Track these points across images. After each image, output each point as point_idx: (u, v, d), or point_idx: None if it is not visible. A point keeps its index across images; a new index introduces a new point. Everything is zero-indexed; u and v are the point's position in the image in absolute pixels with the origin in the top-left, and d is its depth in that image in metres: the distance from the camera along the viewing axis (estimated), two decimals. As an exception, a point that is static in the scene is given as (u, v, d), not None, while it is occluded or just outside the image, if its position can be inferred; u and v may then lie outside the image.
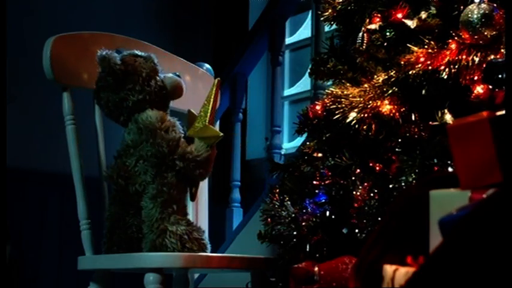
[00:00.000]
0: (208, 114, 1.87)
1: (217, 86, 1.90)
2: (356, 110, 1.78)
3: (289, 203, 1.91)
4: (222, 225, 3.64)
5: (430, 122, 1.71)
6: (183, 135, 1.89)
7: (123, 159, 1.89)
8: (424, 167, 1.65)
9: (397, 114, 1.75)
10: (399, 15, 1.82)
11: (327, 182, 1.87)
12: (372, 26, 1.85)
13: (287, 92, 4.46)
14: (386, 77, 1.77)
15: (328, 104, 1.87)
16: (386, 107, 1.76)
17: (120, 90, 1.90)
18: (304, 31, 4.43)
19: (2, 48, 2.19)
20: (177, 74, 1.96)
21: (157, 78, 1.92)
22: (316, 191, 1.88)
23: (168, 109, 1.96)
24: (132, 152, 1.88)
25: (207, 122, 1.87)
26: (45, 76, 1.99)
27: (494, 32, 1.63)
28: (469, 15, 1.64)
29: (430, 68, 1.68)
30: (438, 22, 1.76)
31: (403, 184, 1.67)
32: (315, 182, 1.90)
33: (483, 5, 1.64)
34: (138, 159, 1.87)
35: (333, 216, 1.84)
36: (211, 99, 1.88)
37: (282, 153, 3.64)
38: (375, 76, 1.80)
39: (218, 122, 2.13)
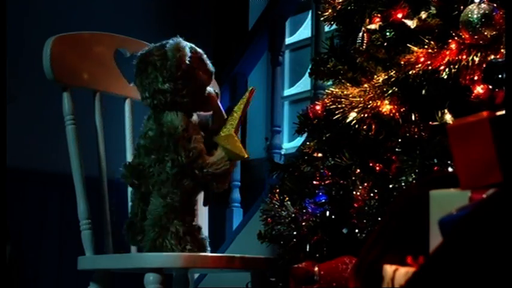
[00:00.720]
0: (236, 122, 1.85)
1: (250, 94, 1.87)
2: (356, 110, 1.78)
3: (289, 203, 1.91)
4: (222, 225, 3.64)
5: (430, 122, 1.71)
6: (202, 140, 1.86)
7: (140, 159, 1.87)
8: (424, 167, 1.65)
9: (397, 114, 1.75)
10: (399, 15, 1.82)
11: (327, 182, 1.87)
12: (372, 26, 1.85)
13: (287, 92, 4.46)
14: (386, 77, 1.77)
15: (328, 104, 1.87)
16: (386, 107, 1.76)
17: (168, 82, 1.84)
18: (304, 31, 4.43)
19: (2, 48, 2.19)
20: (215, 91, 1.93)
21: (206, 90, 1.89)
22: (316, 191, 1.88)
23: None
24: (150, 152, 1.85)
25: (233, 131, 1.85)
26: (45, 76, 1.99)
27: (494, 32, 1.63)
28: (469, 15, 1.64)
29: (430, 68, 1.68)
30: (438, 22, 1.76)
31: (403, 184, 1.67)
32: (315, 182, 1.90)
33: (483, 5, 1.64)
34: (155, 162, 1.84)
35: (333, 216, 1.84)
36: (242, 107, 1.85)
37: (282, 153, 3.64)
38: (375, 76, 1.80)
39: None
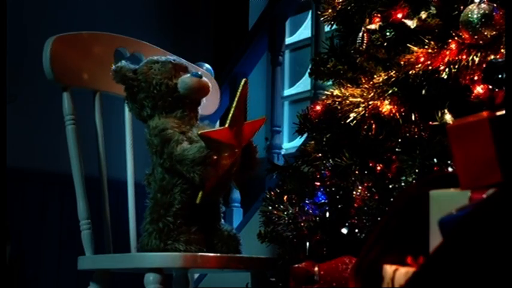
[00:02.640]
0: (230, 117, 1.81)
1: (244, 86, 1.85)
2: (356, 110, 1.78)
3: (288, 203, 1.91)
4: (222, 225, 3.63)
5: (430, 122, 1.71)
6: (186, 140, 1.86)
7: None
8: (424, 167, 1.65)
9: (397, 114, 1.75)
10: (399, 15, 1.82)
11: (327, 182, 1.87)
12: (372, 26, 1.85)
13: (287, 92, 4.46)
14: (386, 77, 1.77)
15: (328, 104, 1.87)
16: (386, 107, 1.76)
17: (137, 100, 1.92)
18: (304, 31, 4.44)
19: (2, 48, 2.19)
20: (196, 73, 1.92)
21: (170, 82, 1.90)
22: (316, 191, 1.88)
23: (189, 110, 1.92)
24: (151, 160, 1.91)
25: (226, 125, 1.81)
26: (45, 76, 1.99)
27: (494, 32, 1.63)
28: (469, 15, 1.64)
29: (430, 68, 1.68)
30: (438, 22, 1.76)
31: (403, 184, 1.67)
32: (315, 182, 1.90)
33: (483, 5, 1.64)
34: (153, 167, 1.89)
35: (333, 217, 1.84)
36: (236, 101, 1.83)
37: (282, 153, 3.64)
38: (375, 76, 1.80)
39: (218, 122, 2.12)
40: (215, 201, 1.96)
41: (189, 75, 1.92)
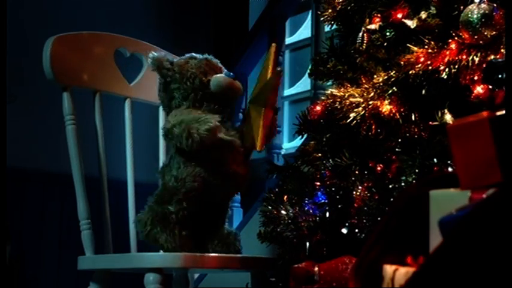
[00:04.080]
0: (267, 96, 1.87)
1: (274, 51, 1.89)
2: (356, 110, 1.77)
3: (288, 203, 1.91)
4: (222, 225, 3.63)
5: (430, 122, 1.71)
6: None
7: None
8: (424, 167, 1.65)
9: (397, 114, 1.75)
10: (399, 15, 1.82)
11: (327, 182, 1.87)
12: (372, 26, 1.85)
13: (287, 92, 4.46)
14: (386, 77, 1.77)
15: (328, 104, 1.87)
16: (386, 107, 1.76)
17: (168, 90, 1.93)
18: (304, 31, 4.43)
19: (2, 48, 2.19)
20: (229, 73, 1.94)
21: (204, 78, 1.91)
22: (316, 191, 1.88)
23: (218, 107, 1.93)
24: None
25: (263, 108, 1.86)
26: (45, 76, 1.99)
27: (494, 32, 1.63)
28: (469, 15, 1.64)
29: (430, 68, 1.68)
30: (438, 22, 1.76)
31: (403, 184, 1.66)
32: (315, 182, 1.90)
33: (483, 5, 1.64)
34: (170, 159, 1.91)
35: (333, 217, 1.84)
36: (269, 70, 1.87)
37: (282, 153, 3.64)
38: (375, 76, 1.80)
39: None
40: (224, 203, 1.97)
41: (223, 74, 1.93)
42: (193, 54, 1.96)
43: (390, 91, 1.76)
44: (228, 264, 1.89)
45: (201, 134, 1.79)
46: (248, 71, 3.87)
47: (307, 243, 1.86)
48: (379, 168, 1.78)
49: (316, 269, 1.68)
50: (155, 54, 1.93)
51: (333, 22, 2.02)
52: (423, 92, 1.71)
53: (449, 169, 1.60)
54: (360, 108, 1.77)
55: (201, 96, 1.90)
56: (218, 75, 1.92)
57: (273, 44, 1.93)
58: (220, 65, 1.99)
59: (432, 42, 1.71)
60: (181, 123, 1.81)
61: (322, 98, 1.93)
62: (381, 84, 1.77)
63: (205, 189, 1.86)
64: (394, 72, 1.76)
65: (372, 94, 1.77)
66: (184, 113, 1.86)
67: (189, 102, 1.90)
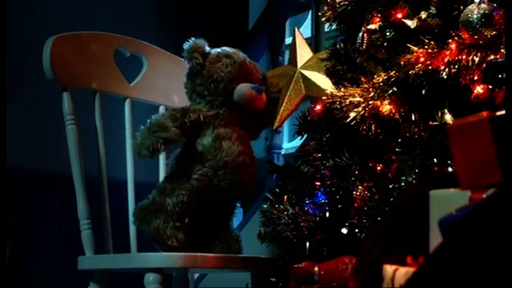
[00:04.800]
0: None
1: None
2: (356, 110, 1.77)
3: (288, 203, 1.91)
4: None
5: (430, 122, 1.71)
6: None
7: None
8: (424, 167, 1.65)
9: (397, 114, 1.75)
10: (399, 15, 1.82)
11: (327, 182, 1.87)
12: (372, 26, 1.85)
13: (287, 91, 4.45)
14: (386, 77, 1.77)
15: (328, 104, 1.87)
16: (386, 107, 1.76)
17: (193, 82, 1.92)
18: (304, 31, 4.42)
19: (2, 48, 2.19)
20: (257, 87, 1.90)
21: (229, 85, 1.89)
22: (316, 191, 1.88)
23: (239, 116, 1.94)
24: None
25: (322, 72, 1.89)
26: (45, 76, 1.99)
27: (494, 32, 1.63)
28: (469, 15, 1.64)
29: (430, 68, 1.68)
30: (438, 22, 1.76)
31: (403, 184, 1.66)
32: (315, 182, 1.90)
33: (483, 5, 1.64)
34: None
35: (333, 217, 1.84)
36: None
37: (282, 153, 3.64)
38: (375, 76, 1.80)
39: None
40: (228, 206, 1.98)
41: (250, 86, 1.89)
42: (228, 50, 1.93)
43: (390, 91, 1.76)
44: (228, 264, 1.89)
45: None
46: (248, 71, 3.86)
47: (307, 243, 1.86)
48: (379, 168, 1.78)
49: (316, 269, 1.68)
50: (190, 43, 1.91)
51: (333, 22, 2.02)
52: (423, 92, 1.71)
53: (449, 169, 1.60)
54: (360, 108, 1.77)
55: (220, 102, 1.89)
56: (244, 86, 1.89)
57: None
58: (256, 68, 1.96)
59: (432, 42, 1.71)
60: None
61: (322, 98, 1.93)
62: (381, 84, 1.77)
63: (209, 190, 1.86)
64: (394, 72, 1.76)
65: (372, 94, 1.77)
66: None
67: (207, 103, 1.89)
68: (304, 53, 1.92)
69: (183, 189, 1.83)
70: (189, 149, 1.87)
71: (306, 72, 1.91)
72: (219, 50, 1.94)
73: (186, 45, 1.90)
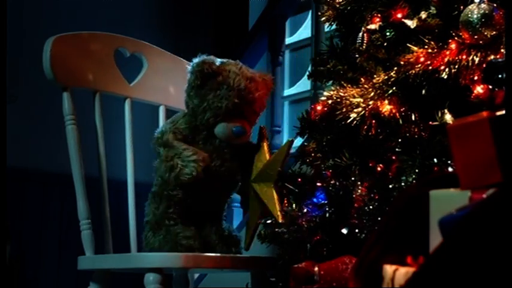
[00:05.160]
0: (275, 176, 1.81)
1: (288, 146, 1.83)
2: (356, 110, 1.78)
3: (288, 203, 1.91)
4: (222, 225, 3.63)
5: (430, 122, 1.71)
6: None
7: None
8: (424, 167, 1.65)
9: (397, 114, 1.75)
10: (399, 15, 1.82)
11: (327, 182, 1.87)
12: (372, 26, 1.85)
13: (287, 92, 4.45)
14: (386, 77, 1.77)
15: (328, 105, 1.87)
16: (386, 107, 1.76)
17: (186, 99, 1.89)
18: (304, 31, 4.43)
19: (2, 48, 2.19)
20: (238, 130, 1.84)
21: (213, 119, 1.84)
22: (316, 191, 1.88)
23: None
24: None
25: (272, 185, 1.81)
26: (45, 76, 1.99)
27: (494, 32, 1.63)
28: (469, 15, 1.64)
29: (430, 68, 1.68)
30: (438, 22, 1.76)
31: (403, 184, 1.66)
32: (315, 182, 1.90)
33: (483, 5, 1.64)
34: None
35: (333, 217, 1.84)
36: (281, 160, 1.81)
37: (282, 153, 3.63)
38: (375, 76, 1.80)
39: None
40: (221, 201, 1.97)
41: (232, 128, 1.84)
42: (232, 74, 1.84)
43: (390, 91, 1.76)
44: (228, 264, 1.89)
45: (182, 176, 1.79)
46: (248, 71, 3.86)
47: (307, 244, 1.86)
48: (379, 168, 1.78)
49: (316, 269, 1.68)
50: (200, 58, 1.84)
51: (333, 22, 2.02)
52: (423, 92, 1.71)
53: (449, 169, 1.60)
54: (360, 109, 1.77)
55: (204, 134, 1.87)
56: (225, 126, 1.84)
57: (291, 140, 1.86)
58: (260, 95, 1.86)
59: (432, 42, 1.71)
60: (170, 153, 1.81)
61: (322, 98, 1.93)
62: (381, 84, 1.77)
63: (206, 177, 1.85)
64: (394, 72, 1.76)
65: (372, 94, 1.77)
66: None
67: (193, 118, 1.88)
68: (261, 158, 1.87)
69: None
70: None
71: (257, 187, 1.86)
72: (227, 71, 1.84)
73: (195, 60, 1.85)
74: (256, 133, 1.93)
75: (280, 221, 1.79)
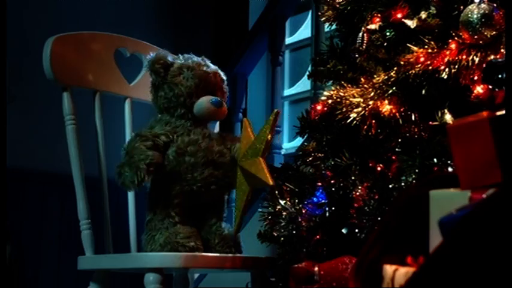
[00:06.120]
0: (263, 147, 1.81)
1: (275, 117, 1.84)
2: (356, 110, 1.78)
3: (289, 203, 1.91)
4: (222, 225, 3.63)
5: (430, 122, 1.71)
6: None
7: None
8: (424, 167, 1.65)
9: (397, 114, 1.75)
10: (399, 15, 1.82)
11: (327, 182, 1.87)
12: (372, 26, 1.85)
13: (287, 92, 4.46)
14: (386, 77, 1.77)
15: (328, 104, 1.87)
16: (386, 107, 1.76)
17: (156, 93, 1.96)
18: (304, 31, 4.43)
19: (2, 48, 2.19)
20: (216, 101, 1.91)
21: (189, 99, 1.91)
22: (316, 191, 1.88)
23: (196, 124, 1.93)
24: None
25: (259, 156, 1.81)
26: (45, 76, 1.99)
27: (494, 32, 1.63)
28: (469, 15, 1.64)
29: (430, 68, 1.68)
30: (438, 22, 1.76)
31: (403, 184, 1.66)
32: (315, 182, 1.90)
33: (483, 5, 1.64)
34: None
35: (333, 217, 1.84)
36: (267, 132, 1.82)
37: (282, 153, 3.64)
38: (375, 76, 1.80)
39: (218, 123, 2.12)
40: (219, 201, 1.98)
41: (209, 100, 1.91)
42: (191, 62, 1.94)
43: (390, 91, 1.76)
44: (228, 264, 1.89)
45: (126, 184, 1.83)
46: (248, 71, 3.87)
47: (307, 243, 1.86)
48: (379, 168, 1.78)
49: (316, 269, 1.68)
50: (153, 55, 1.93)
51: (333, 22, 2.02)
52: (423, 92, 1.71)
53: (449, 169, 1.60)
54: (360, 108, 1.77)
55: (182, 113, 1.92)
56: (204, 100, 1.91)
57: (277, 110, 1.89)
58: (219, 79, 1.97)
59: (432, 42, 1.71)
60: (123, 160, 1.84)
61: (322, 98, 1.93)
62: (381, 84, 1.77)
63: (191, 196, 1.88)
64: (394, 72, 1.76)
65: (372, 94, 1.77)
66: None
67: (171, 115, 1.92)
68: (245, 141, 1.89)
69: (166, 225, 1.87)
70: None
71: (245, 164, 1.87)
72: (182, 60, 1.94)
73: (148, 57, 1.92)
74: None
75: (270, 183, 1.79)
